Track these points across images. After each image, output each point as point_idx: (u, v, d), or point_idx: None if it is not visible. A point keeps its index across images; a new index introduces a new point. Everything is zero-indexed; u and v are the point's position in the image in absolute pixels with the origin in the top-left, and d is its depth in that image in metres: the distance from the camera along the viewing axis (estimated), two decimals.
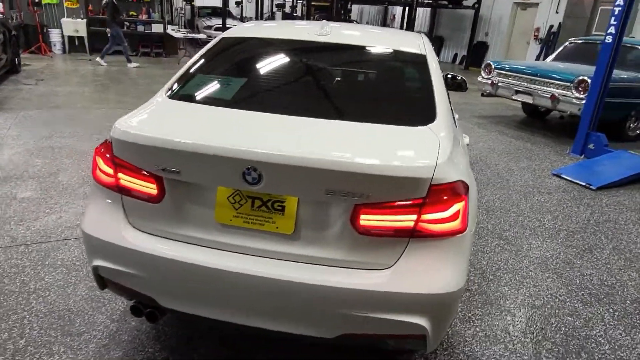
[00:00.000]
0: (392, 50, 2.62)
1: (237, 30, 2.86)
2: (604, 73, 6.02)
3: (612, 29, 5.83)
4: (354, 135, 1.91)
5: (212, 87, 2.41)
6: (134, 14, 13.91)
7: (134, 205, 1.91)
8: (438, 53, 19.41)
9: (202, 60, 2.53)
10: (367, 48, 2.63)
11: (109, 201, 1.96)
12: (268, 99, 2.31)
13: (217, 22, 17.60)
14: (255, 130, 1.90)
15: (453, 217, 1.72)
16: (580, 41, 8.36)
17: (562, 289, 3.07)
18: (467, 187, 1.77)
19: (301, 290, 1.72)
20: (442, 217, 1.71)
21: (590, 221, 4.19)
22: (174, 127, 1.92)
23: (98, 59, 11.45)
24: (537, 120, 8.71)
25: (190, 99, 2.24)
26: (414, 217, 1.69)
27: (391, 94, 2.37)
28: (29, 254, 2.96)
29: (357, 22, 23.39)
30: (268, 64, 2.56)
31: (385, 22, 23.78)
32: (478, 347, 2.46)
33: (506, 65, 7.86)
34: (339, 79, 2.53)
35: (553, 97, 6.87)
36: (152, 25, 13.98)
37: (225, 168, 1.72)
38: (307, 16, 17.17)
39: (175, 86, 2.32)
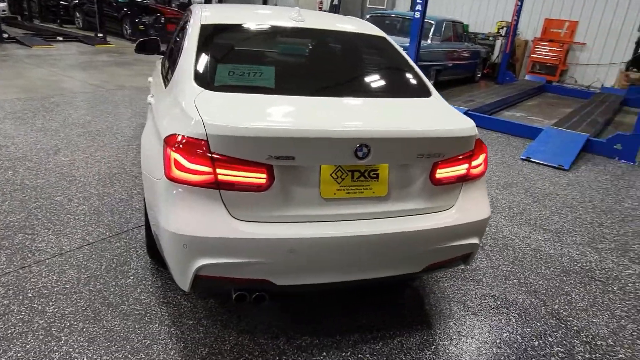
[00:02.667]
0: (363, 33, 3.03)
1: (216, 16, 2.82)
2: (415, 42, 7.47)
3: (419, 7, 7.26)
4: (401, 108, 2.35)
5: (246, 76, 2.44)
6: None
7: (235, 197, 1.95)
8: None
9: (205, 49, 2.49)
10: (342, 32, 2.98)
11: (203, 198, 1.94)
12: (306, 83, 2.51)
13: None
14: (335, 112, 2.15)
15: (484, 162, 2.35)
16: (379, 15, 9.90)
17: None
18: None
19: (397, 238, 2.13)
20: (479, 163, 2.33)
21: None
22: (274, 117, 2.03)
23: None
24: None
25: (235, 89, 2.27)
26: (467, 165, 2.26)
27: (387, 70, 2.82)
28: None
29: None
30: (279, 51, 2.69)
31: None
32: None
33: None
34: (343, 60, 2.84)
35: None
36: None
37: (339, 147, 1.97)
38: None
39: (207, 78, 2.29)
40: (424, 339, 2.44)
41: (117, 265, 2.80)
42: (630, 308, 2.90)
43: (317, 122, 2.00)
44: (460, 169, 2.25)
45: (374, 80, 2.76)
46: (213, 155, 1.90)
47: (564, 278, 3.16)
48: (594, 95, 10.43)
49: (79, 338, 2.20)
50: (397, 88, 2.68)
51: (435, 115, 2.36)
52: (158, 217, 2.05)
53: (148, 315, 2.41)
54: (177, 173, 1.94)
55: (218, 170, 1.91)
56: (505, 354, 2.39)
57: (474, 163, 2.29)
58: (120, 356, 2.12)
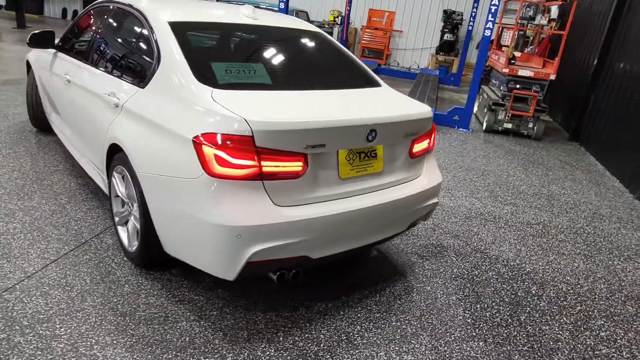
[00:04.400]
0: (309, 30, 3.34)
1: (178, 13, 2.79)
2: None
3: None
4: (375, 96, 2.79)
5: (243, 74, 2.56)
6: None
7: (276, 185, 2.16)
8: (41, 8, 17.08)
9: (189, 48, 2.53)
10: (296, 29, 3.25)
11: (248, 190, 2.10)
12: (295, 79, 2.76)
13: None
14: (338, 103, 2.48)
15: (434, 138, 2.96)
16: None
17: None
18: None
19: (393, 205, 2.60)
20: (434, 138, 2.93)
21: None
22: (301, 111, 2.27)
23: None
24: None
25: (239, 86, 2.41)
26: (428, 140, 2.84)
27: (344, 64, 3.19)
28: None
29: None
30: (251, 48, 2.82)
31: None
32: None
33: None
34: (310, 55, 3.11)
35: None
36: None
37: (356, 133, 2.33)
38: None
39: (210, 77, 2.37)
40: (405, 285, 2.98)
41: (103, 276, 2.65)
42: (517, 236, 3.91)
43: (339, 113, 2.32)
44: (425, 144, 2.81)
45: (343, 73, 3.12)
46: (258, 149, 2.07)
47: (469, 222, 4.05)
48: (418, 75, 12.34)
49: (116, 350, 2.14)
50: (361, 79, 3.09)
51: (404, 102, 2.86)
52: (197, 214, 2.13)
53: (170, 315, 2.42)
54: (220, 169, 2.06)
55: (263, 163, 2.10)
56: (463, 284, 3.09)
57: (431, 139, 2.88)
58: (171, 356, 2.15)
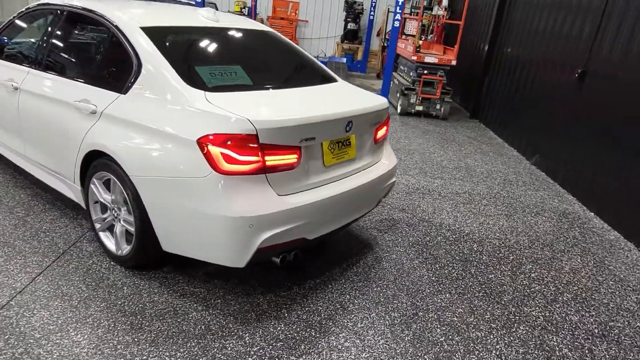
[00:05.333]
0: (264, 30, 3.54)
1: (147, 18, 2.84)
2: None
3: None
4: (343, 92, 3.12)
5: (226, 76, 2.71)
6: None
7: (276, 177, 2.41)
8: None
9: (168, 52, 2.64)
10: (253, 30, 3.43)
11: (254, 183, 2.32)
12: (270, 78, 3.00)
13: None
14: (315, 99, 2.76)
15: (388, 126, 3.38)
16: None
17: None
18: None
19: (366, 186, 2.97)
20: (389, 125, 3.34)
21: None
22: (292, 108, 2.53)
23: None
24: None
25: (226, 88, 2.58)
26: (386, 127, 3.24)
27: (304, 62, 3.44)
28: None
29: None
30: (223, 50, 2.96)
31: None
32: None
33: None
34: (273, 54, 3.31)
35: None
36: None
37: (338, 125, 2.64)
38: None
39: (198, 81, 2.52)
40: (374, 256, 3.38)
41: (97, 282, 2.68)
42: (451, 205, 4.52)
43: (325, 109, 2.60)
44: (384, 131, 3.21)
45: (305, 71, 3.37)
46: (262, 146, 2.30)
47: (410, 197, 4.58)
48: (328, 63, 12.83)
49: (140, 347, 2.25)
50: (321, 76, 3.37)
51: (365, 95, 3.21)
52: (206, 209, 2.31)
53: (179, 309, 2.56)
54: (227, 166, 2.26)
55: (266, 158, 2.33)
56: (420, 249, 3.57)
57: (389, 127, 3.28)
58: (194, 344, 2.32)
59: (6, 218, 3.26)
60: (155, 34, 2.76)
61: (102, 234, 2.94)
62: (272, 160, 2.36)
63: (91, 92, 2.81)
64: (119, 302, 2.55)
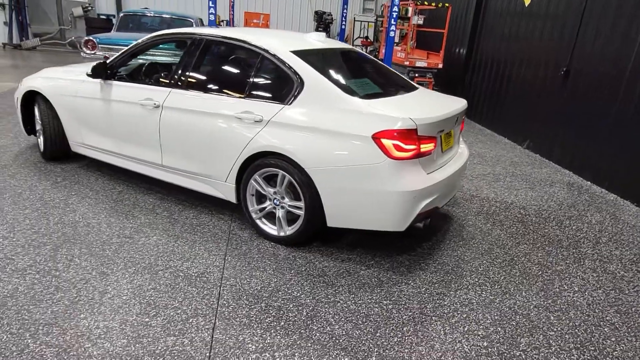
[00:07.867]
0: (349, 48, 4.29)
1: (287, 43, 3.54)
2: None
3: (212, 10, 8.14)
4: (434, 95, 3.95)
5: (366, 86, 3.54)
6: None
7: (423, 160, 3.20)
8: None
9: (319, 69, 3.35)
10: (349, 48, 4.17)
11: (412, 165, 3.09)
12: (387, 87, 3.81)
13: None
14: (427, 102, 3.59)
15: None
16: (131, 13, 9.84)
17: None
18: None
19: (461, 168, 3.79)
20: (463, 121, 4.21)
21: None
22: (427, 109, 3.32)
23: None
24: None
25: (372, 96, 3.36)
26: (463, 122, 4.09)
27: (390, 71, 4.22)
28: None
29: None
30: (347, 65, 3.74)
31: None
32: None
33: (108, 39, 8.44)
34: (371, 67, 4.07)
35: None
36: None
37: (452, 120, 3.47)
38: None
39: (352, 91, 3.26)
40: (458, 223, 4.23)
41: (273, 257, 3.33)
42: (487, 183, 5.47)
43: (448, 108, 3.41)
44: (462, 124, 4.06)
45: (398, 78, 4.15)
46: (419, 137, 3.07)
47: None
48: None
49: (343, 296, 2.95)
50: (409, 84, 4.16)
51: (451, 97, 4.04)
52: (381, 187, 3.04)
53: (350, 269, 3.26)
54: (397, 154, 3.02)
55: (421, 146, 3.11)
56: (486, 217, 4.46)
57: (464, 120, 4.15)
58: (378, 290, 3.04)
59: (156, 218, 3.78)
60: (301, 55, 3.45)
61: (258, 222, 3.57)
62: (424, 147, 3.14)
63: (252, 105, 3.42)
64: (302, 269, 3.22)
